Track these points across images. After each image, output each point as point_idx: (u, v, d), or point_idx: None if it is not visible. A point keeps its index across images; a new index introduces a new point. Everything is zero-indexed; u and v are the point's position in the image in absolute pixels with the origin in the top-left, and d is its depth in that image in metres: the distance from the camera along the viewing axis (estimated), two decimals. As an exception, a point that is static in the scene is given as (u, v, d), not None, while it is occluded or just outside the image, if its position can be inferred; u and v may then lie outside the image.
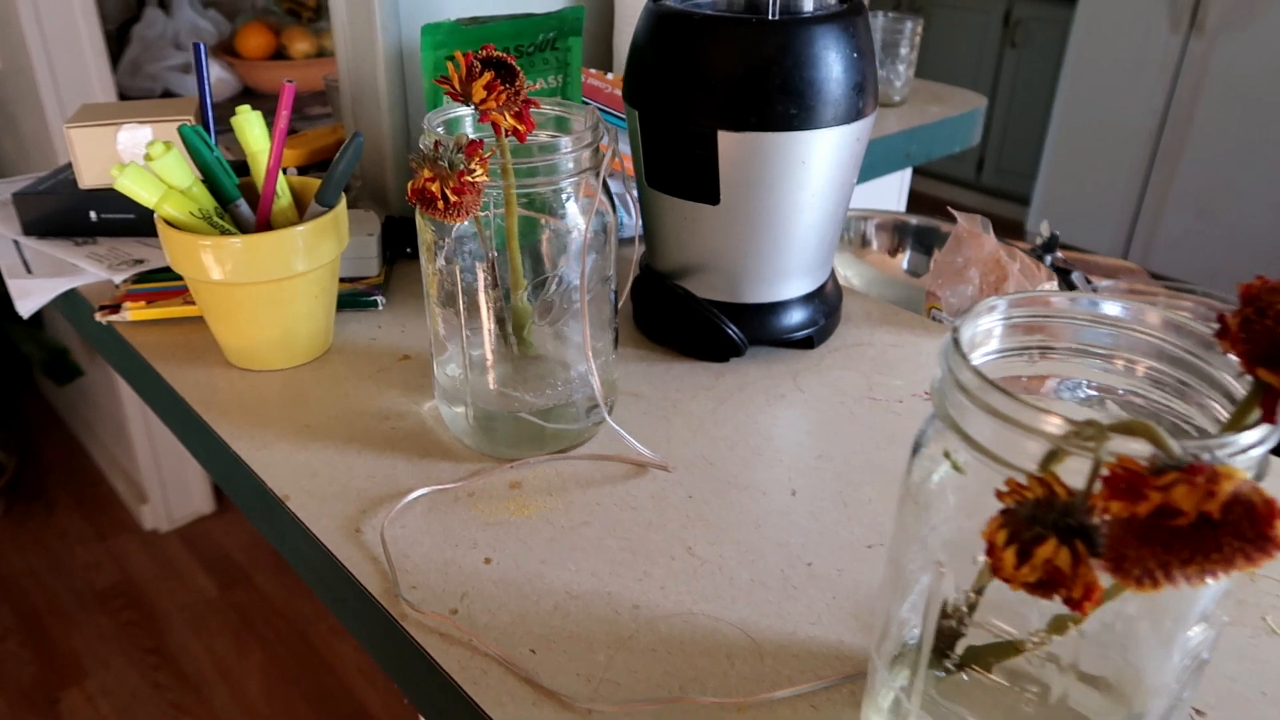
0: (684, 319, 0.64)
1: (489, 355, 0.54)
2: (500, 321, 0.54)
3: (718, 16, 0.57)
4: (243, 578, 1.92)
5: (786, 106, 0.56)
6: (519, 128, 0.45)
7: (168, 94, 1.70)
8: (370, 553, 0.48)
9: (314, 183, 0.66)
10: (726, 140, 0.57)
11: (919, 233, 1.02)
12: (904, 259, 1.03)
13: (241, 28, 1.67)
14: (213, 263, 0.58)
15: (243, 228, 0.63)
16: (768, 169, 0.58)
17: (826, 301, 0.67)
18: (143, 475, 1.93)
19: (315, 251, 0.60)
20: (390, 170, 0.79)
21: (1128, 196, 2.94)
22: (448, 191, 0.44)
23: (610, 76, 0.78)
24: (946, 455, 0.31)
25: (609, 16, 0.93)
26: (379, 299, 0.71)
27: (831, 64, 0.57)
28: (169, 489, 1.97)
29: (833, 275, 0.69)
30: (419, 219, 0.53)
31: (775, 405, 0.61)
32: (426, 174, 0.44)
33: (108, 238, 0.76)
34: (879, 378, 0.64)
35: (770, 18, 0.57)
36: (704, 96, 0.57)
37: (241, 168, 0.65)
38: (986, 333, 0.33)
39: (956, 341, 0.30)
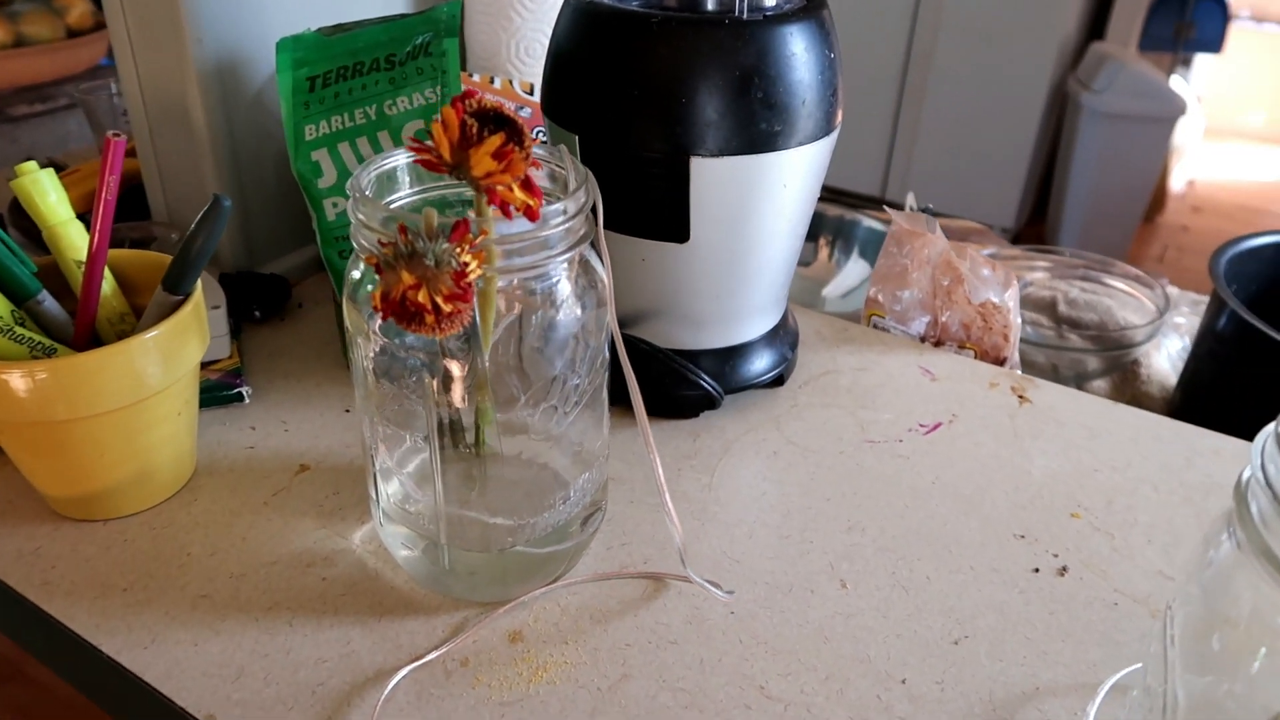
0: (648, 376, 0.54)
1: (437, 475, 0.41)
2: (453, 427, 0.42)
3: (683, 18, 0.46)
4: (15, 673, 1.62)
5: (770, 123, 0.47)
6: (531, 203, 0.32)
7: None
8: (367, 788, 0.36)
9: (140, 256, 0.49)
10: (701, 168, 0.47)
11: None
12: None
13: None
14: (26, 397, 0.41)
15: (53, 333, 0.46)
16: (748, 196, 0.49)
17: (790, 334, 0.59)
18: None
19: (175, 359, 0.44)
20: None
21: (880, 137, 3.07)
22: (439, 300, 0.32)
23: (496, 83, 0.65)
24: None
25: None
26: (243, 390, 0.55)
27: (813, 70, 0.48)
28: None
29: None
30: (347, 307, 0.40)
31: (773, 467, 0.52)
32: (407, 279, 0.31)
33: None
34: (865, 414, 0.57)
35: (740, 16, 0.47)
36: (674, 118, 0.46)
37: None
38: None
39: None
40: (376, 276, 0.38)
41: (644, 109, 0.47)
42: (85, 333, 0.46)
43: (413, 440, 0.42)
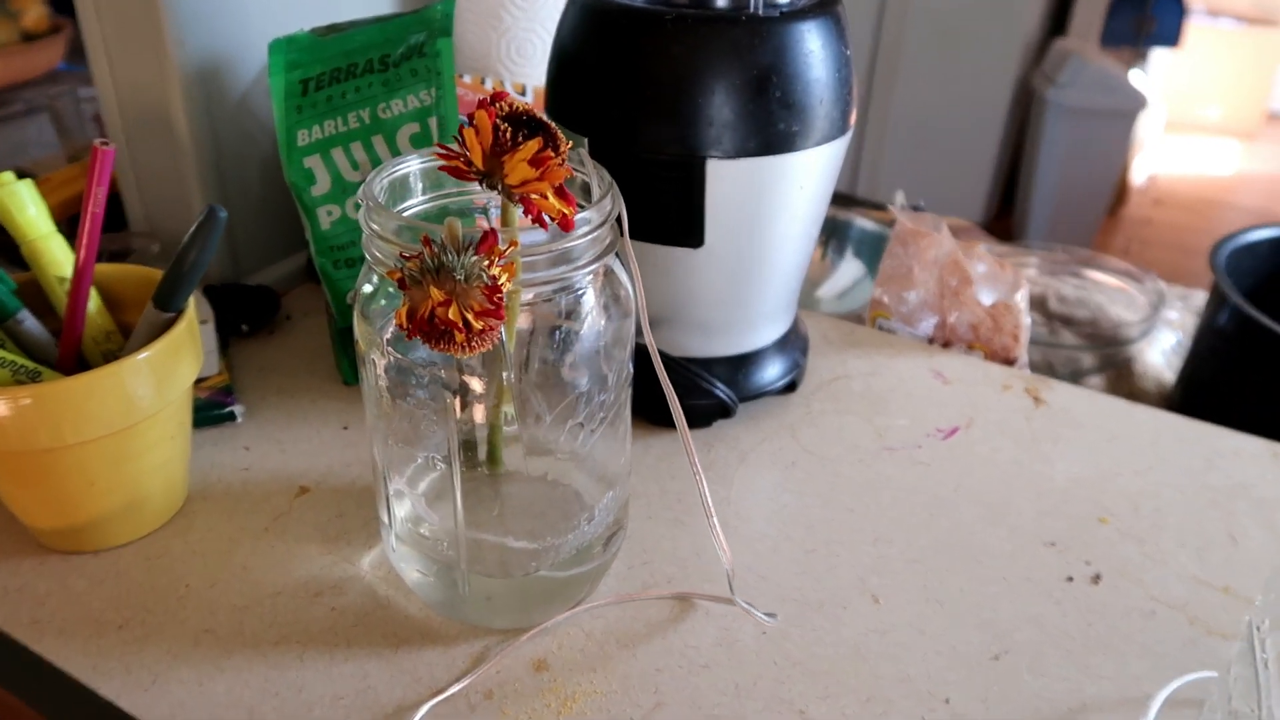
0: (658, 384, 0.52)
1: (458, 498, 0.39)
2: (467, 446, 0.40)
3: (698, 16, 0.44)
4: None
5: (789, 123, 0.45)
6: (566, 212, 0.30)
7: None
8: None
9: (125, 271, 0.47)
10: (718, 170, 0.46)
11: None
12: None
13: None
14: (8, 424, 0.39)
15: (35, 354, 0.43)
16: (764, 199, 0.47)
17: (801, 339, 0.57)
18: None
19: (168, 380, 0.42)
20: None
21: (850, 134, 3.07)
22: (469, 317, 0.29)
23: (488, 85, 0.63)
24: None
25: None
26: (235, 409, 0.52)
27: (829, 68, 0.46)
28: None
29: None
30: (358, 323, 0.38)
31: (792, 477, 0.51)
32: (436, 294, 0.29)
33: None
34: (881, 420, 0.55)
35: (756, 13, 0.45)
36: (689, 119, 0.45)
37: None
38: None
39: None
40: (391, 290, 0.36)
41: (657, 110, 0.45)
42: (71, 354, 0.43)
43: (425, 459, 0.40)
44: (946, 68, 2.75)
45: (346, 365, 0.56)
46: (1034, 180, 2.69)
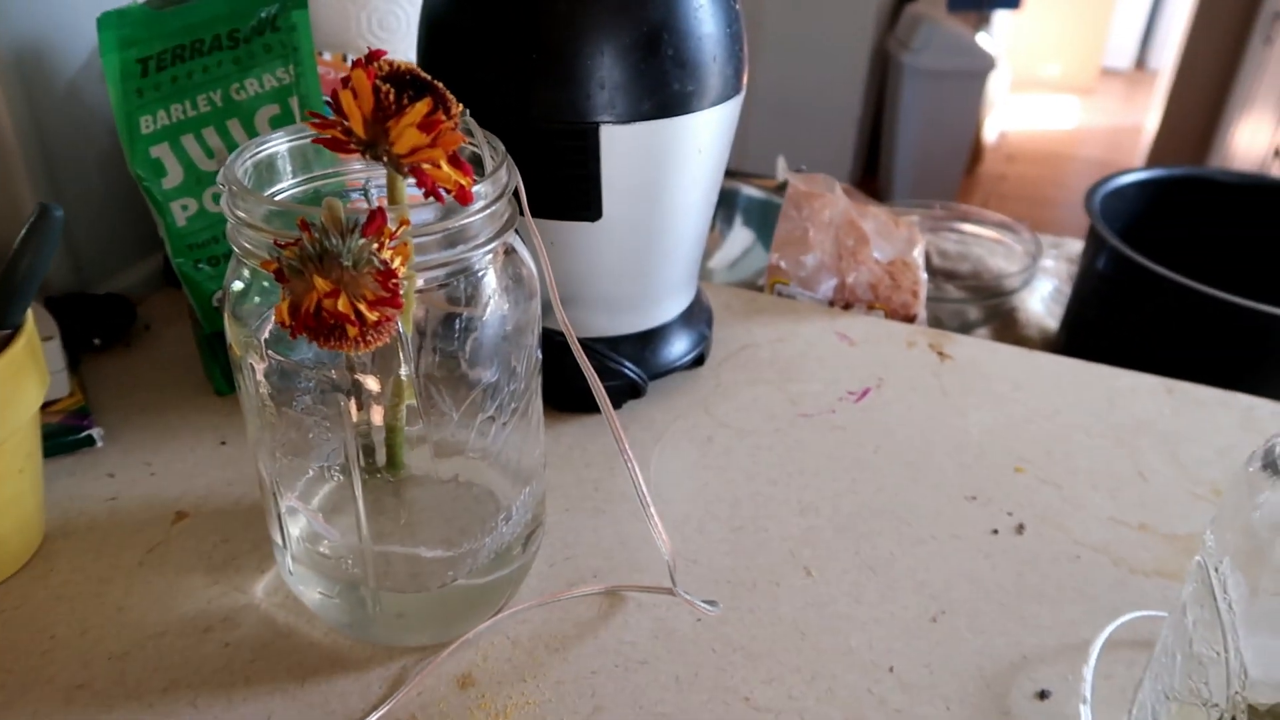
0: (563, 367, 0.49)
1: (361, 510, 0.36)
2: (366, 451, 0.36)
3: (580, -30, 0.41)
4: None
5: (684, 83, 0.43)
6: (463, 182, 0.27)
7: None
8: None
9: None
10: (612, 136, 0.43)
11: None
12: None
13: None
14: None
15: None
16: (662, 165, 0.45)
17: (705, 310, 0.55)
18: None
19: (10, 407, 0.37)
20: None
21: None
22: (362, 308, 0.26)
23: (349, 61, 0.58)
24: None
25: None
26: (93, 432, 0.47)
27: (721, 23, 0.44)
28: None
29: (696, 274, 0.57)
30: (230, 325, 0.33)
31: (710, 453, 0.49)
32: (321, 285, 0.26)
33: None
34: (793, 387, 0.54)
35: (640, -34, 0.42)
36: (579, 82, 0.42)
37: None
38: None
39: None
40: (266, 284, 0.32)
41: (544, 75, 0.42)
42: (-114, 385, 0.37)
43: (318, 470, 0.37)
44: (804, 37, 2.79)
45: (218, 374, 0.51)
46: (895, 142, 2.76)
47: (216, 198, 0.49)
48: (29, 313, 0.38)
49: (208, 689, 0.36)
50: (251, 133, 0.50)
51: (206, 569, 0.41)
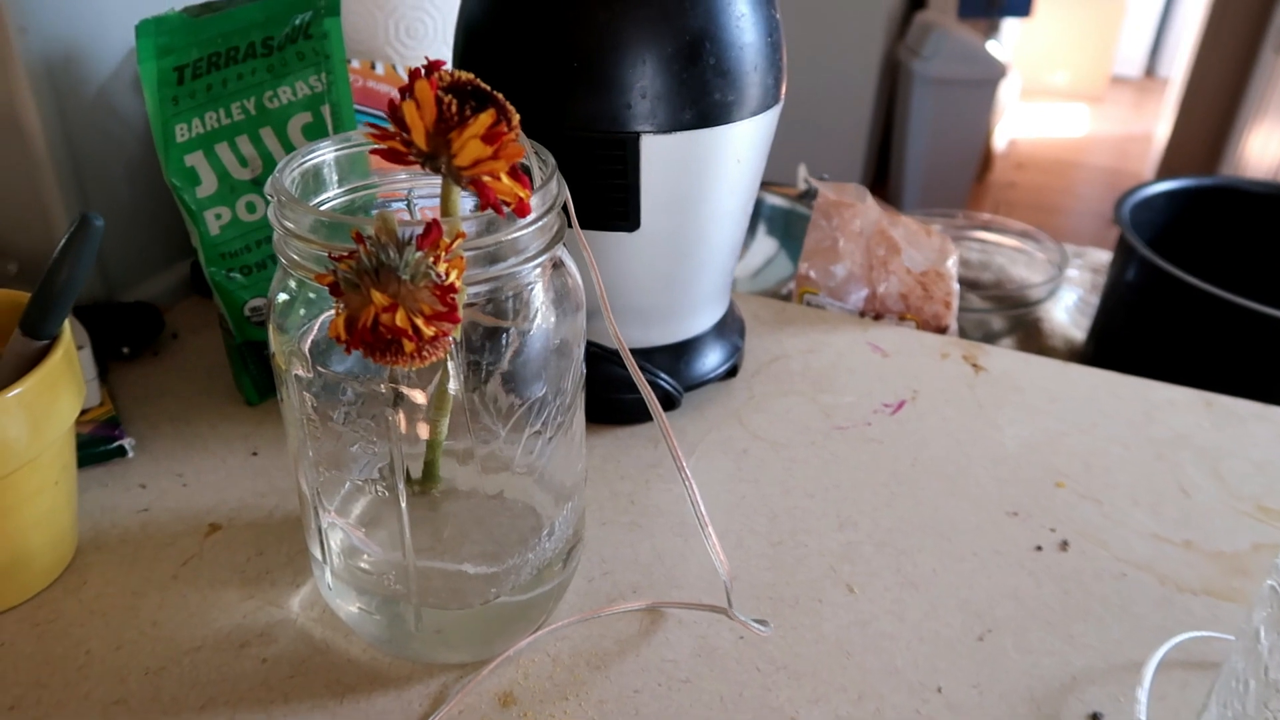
0: (592, 379, 0.49)
1: (405, 526, 0.35)
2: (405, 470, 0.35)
3: (623, -21, 0.41)
4: None
5: (724, 92, 0.43)
6: (522, 194, 0.27)
7: None
8: None
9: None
10: (652, 146, 0.42)
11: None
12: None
13: None
14: None
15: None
16: (701, 175, 0.44)
17: (738, 321, 0.55)
18: None
19: (46, 419, 0.36)
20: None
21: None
22: (419, 322, 0.26)
23: (379, 69, 0.58)
24: None
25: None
26: (125, 443, 0.46)
27: (761, 32, 0.44)
28: None
29: (728, 284, 0.57)
30: (274, 337, 0.33)
31: (745, 466, 0.48)
32: (379, 299, 0.25)
33: None
34: (826, 399, 0.53)
35: (682, -25, 0.42)
36: (619, 92, 0.41)
37: None
38: None
39: None
40: (311, 296, 0.32)
41: (585, 84, 0.42)
42: (-77, 396, 0.36)
43: (355, 483, 0.36)
44: (815, 46, 2.78)
45: (249, 383, 0.50)
46: (906, 150, 2.76)
47: (250, 207, 0.48)
48: (66, 324, 0.38)
49: (245, 705, 0.36)
50: (284, 141, 0.49)
51: (241, 583, 0.41)
